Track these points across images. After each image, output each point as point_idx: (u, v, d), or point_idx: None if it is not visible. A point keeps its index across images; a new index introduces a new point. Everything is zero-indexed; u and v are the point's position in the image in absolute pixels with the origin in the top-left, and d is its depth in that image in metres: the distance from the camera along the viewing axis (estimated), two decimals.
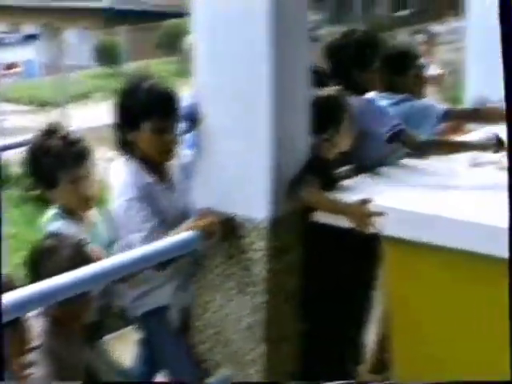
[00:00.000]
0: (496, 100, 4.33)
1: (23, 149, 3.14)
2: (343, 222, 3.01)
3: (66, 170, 2.96)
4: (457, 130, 4.36)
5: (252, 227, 3.06)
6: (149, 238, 2.94)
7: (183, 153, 3.33)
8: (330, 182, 3.19)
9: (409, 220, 2.93)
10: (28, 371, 2.40)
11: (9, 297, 2.23)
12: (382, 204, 2.96)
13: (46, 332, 2.62)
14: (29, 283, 2.44)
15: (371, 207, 2.94)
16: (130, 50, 23.65)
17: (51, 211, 3.03)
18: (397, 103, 3.82)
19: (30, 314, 2.45)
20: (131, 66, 20.86)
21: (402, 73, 3.96)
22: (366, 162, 3.44)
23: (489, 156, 3.50)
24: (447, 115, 3.85)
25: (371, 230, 2.95)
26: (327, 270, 3.22)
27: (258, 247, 3.06)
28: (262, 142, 3.02)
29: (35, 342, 2.47)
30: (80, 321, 2.72)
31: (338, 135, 3.31)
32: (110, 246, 3.07)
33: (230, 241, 3.10)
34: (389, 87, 3.87)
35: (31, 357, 2.42)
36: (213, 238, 3.02)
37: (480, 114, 3.94)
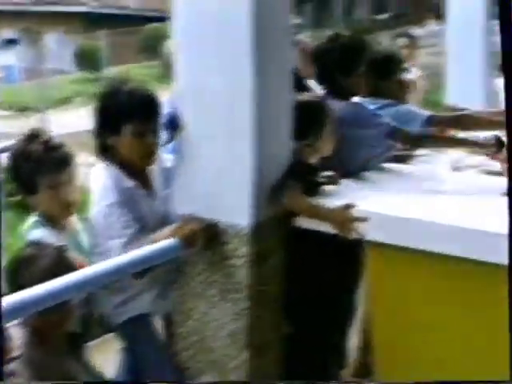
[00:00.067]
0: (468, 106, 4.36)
1: (4, 154, 3.11)
2: (326, 227, 3.00)
3: (45, 175, 2.93)
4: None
5: (234, 233, 3.04)
6: (129, 245, 2.92)
7: (164, 158, 3.30)
8: (313, 187, 3.18)
9: (392, 225, 2.92)
10: (8, 382, 2.37)
11: None
12: (366, 209, 2.96)
13: (26, 342, 2.59)
14: (9, 293, 2.41)
15: (354, 212, 2.93)
16: (111, 54, 23.59)
17: (32, 218, 3.00)
18: (381, 108, 3.82)
19: (9, 324, 2.42)
20: (112, 71, 20.81)
21: (386, 78, 3.97)
22: (350, 167, 3.44)
23: (470, 160, 3.50)
24: (431, 121, 3.85)
25: (354, 235, 2.94)
26: (310, 276, 3.21)
27: (240, 253, 3.04)
28: (244, 147, 3.01)
29: (15, 353, 2.44)
30: (61, 330, 2.69)
31: (320, 140, 3.30)
32: (91, 254, 3.04)
33: (213, 247, 3.08)
34: (373, 92, 3.87)
35: (11, 367, 2.39)
36: (194, 245, 3.00)
37: (464, 120, 3.94)
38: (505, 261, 2.52)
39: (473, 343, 2.85)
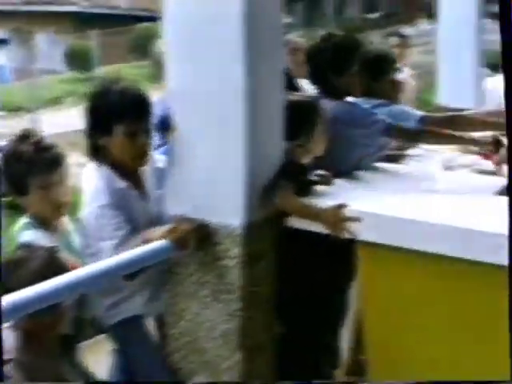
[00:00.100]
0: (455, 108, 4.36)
1: None
2: (318, 228, 2.99)
3: (36, 176, 2.91)
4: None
5: (226, 234, 3.03)
6: (120, 246, 2.90)
7: (156, 158, 3.29)
8: (305, 187, 3.17)
9: (385, 225, 2.92)
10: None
11: None
12: (358, 209, 2.95)
13: (18, 345, 2.57)
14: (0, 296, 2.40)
15: (346, 212, 2.92)
16: (102, 54, 23.56)
17: (23, 220, 2.98)
18: (374, 108, 3.81)
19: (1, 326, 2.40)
20: (103, 71, 20.78)
21: (379, 77, 3.97)
22: (344, 166, 3.43)
23: (463, 159, 3.50)
24: (424, 121, 3.85)
25: (346, 235, 2.94)
26: (303, 276, 3.20)
27: (232, 254, 3.03)
28: (236, 148, 3.00)
29: (7, 356, 2.43)
30: (53, 333, 2.68)
31: (312, 140, 3.29)
32: (82, 255, 3.02)
33: (205, 248, 3.07)
34: (366, 92, 3.86)
35: (3, 370, 2.38)
36: (186, 247, 2.99)
37: (457, 121, 3.93)
38: (499, 260, 2.52)
39: (465, 343, 2.85)
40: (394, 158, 3.78)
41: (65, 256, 2.75)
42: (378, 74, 3.97)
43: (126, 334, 3.18)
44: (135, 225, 3.04)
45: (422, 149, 3.94)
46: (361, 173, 3.48)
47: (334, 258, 3.19)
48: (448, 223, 2.82)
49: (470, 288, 2.80)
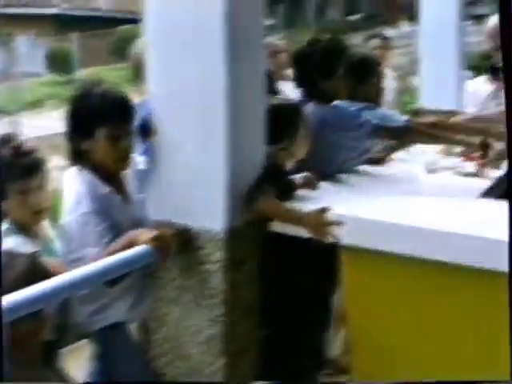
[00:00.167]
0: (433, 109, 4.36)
1: None
2: (301, 232, 2.98)
3: (15, 181, 2.88)
4: None
5: (209, 238, 3.01)
6: (104, 253, 2.87)
7: (137, 161, 3.26)
8: (287, 191, 3.16)
9: (368, 229, 2.91)
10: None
11: None
12: (341, 213, 2.94)
13: None
14: None
15: (329, 216, 2.91)
16: (83, 56, 23.48)
17: (3, 226, 2.95)
18: (360, 111, 3.80)
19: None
20: (83, 73, 20.71)
21: (364, 81, 3.96)
22: (328, 169, 3.43)
23: (445, 161, 3.51)
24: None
25: (329, 239, 2.93)
26: (286, 280, 3.19)
27: (215, 258, 3.01)
28: (218, 152, 2.98)
29: None
30: (35, 339, 2.65)
31: (295, 143, 3.28)
32: (64, 261, 2.99)
33: (187, 253, 3.05)
34: (350, 95, 3.86)
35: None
36: (168, 252, 2.96)
37: (440, 126, 3.93)
38: (480, 263, 2.53)
39: (449, 343, 2.85)
40: (377, 161, 3.77)
41: (47, 259, 2.72)
42: (363, 77, 3.97)
43: (109, 340, 3.15)
44: (118, 230, 3.01)
45: (405, 151, 3.95)
46: (345, 176, 3.48)
47: (317, 262, 3.18)
48: (431, 226, 2.82)
49: (452, 290, 2.81)
